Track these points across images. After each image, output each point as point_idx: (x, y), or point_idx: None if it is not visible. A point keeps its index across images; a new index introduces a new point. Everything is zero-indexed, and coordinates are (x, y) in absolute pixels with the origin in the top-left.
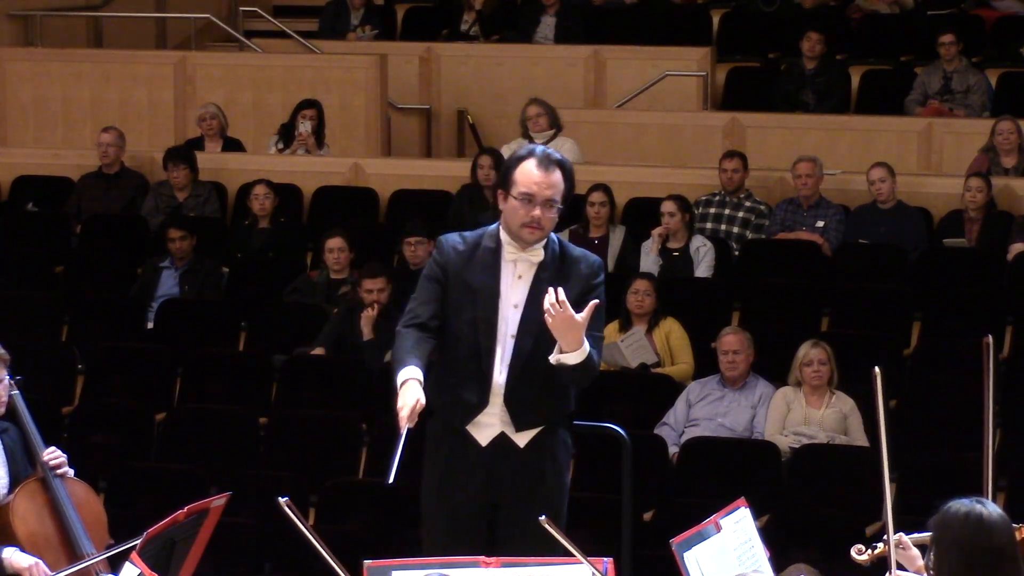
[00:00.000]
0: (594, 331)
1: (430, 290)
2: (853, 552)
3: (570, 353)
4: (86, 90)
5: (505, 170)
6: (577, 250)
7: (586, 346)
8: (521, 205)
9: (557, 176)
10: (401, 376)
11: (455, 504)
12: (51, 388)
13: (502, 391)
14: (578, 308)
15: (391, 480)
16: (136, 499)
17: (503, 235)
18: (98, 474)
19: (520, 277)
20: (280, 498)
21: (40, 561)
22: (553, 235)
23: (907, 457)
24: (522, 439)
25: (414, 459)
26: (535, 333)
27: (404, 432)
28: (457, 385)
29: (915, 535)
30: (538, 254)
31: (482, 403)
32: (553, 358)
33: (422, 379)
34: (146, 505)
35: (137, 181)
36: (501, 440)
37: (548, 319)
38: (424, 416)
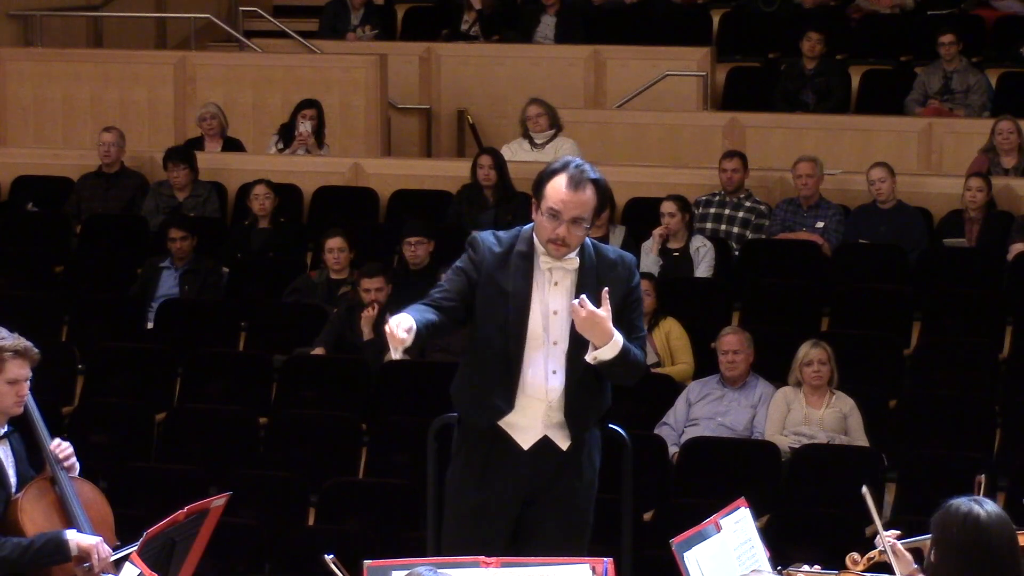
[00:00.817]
0: (634, 331)
1: (457, 282)
2: (848, 562)
3: (603, 348)
4: (86, 90)
5: (538, 180)
6: (612, 252)
7: (618, 337)
8: (548, 220)
9: (587, 194)
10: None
11: (487, 504)
12: (51, 388)
13: (554, 397)
14: (621, 312)
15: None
16: (136, 499)
17: (537, 243)
18: (98, 474)
19: (557, 284)
20: (326, 555)
21: (102, 539)
22: (586, 238)
23: (907, 457)
24: (565, 443)
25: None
26: (576, 337)
27: (396, 351)
28: (483, 386)
29: (909, 540)
30: (574, 262)
31: (508, 407)
32: (589, 356)
33: (416, 320)
34: (146, 505)
35: (137, 181)
36: (544, 443)
37: (576, 322)
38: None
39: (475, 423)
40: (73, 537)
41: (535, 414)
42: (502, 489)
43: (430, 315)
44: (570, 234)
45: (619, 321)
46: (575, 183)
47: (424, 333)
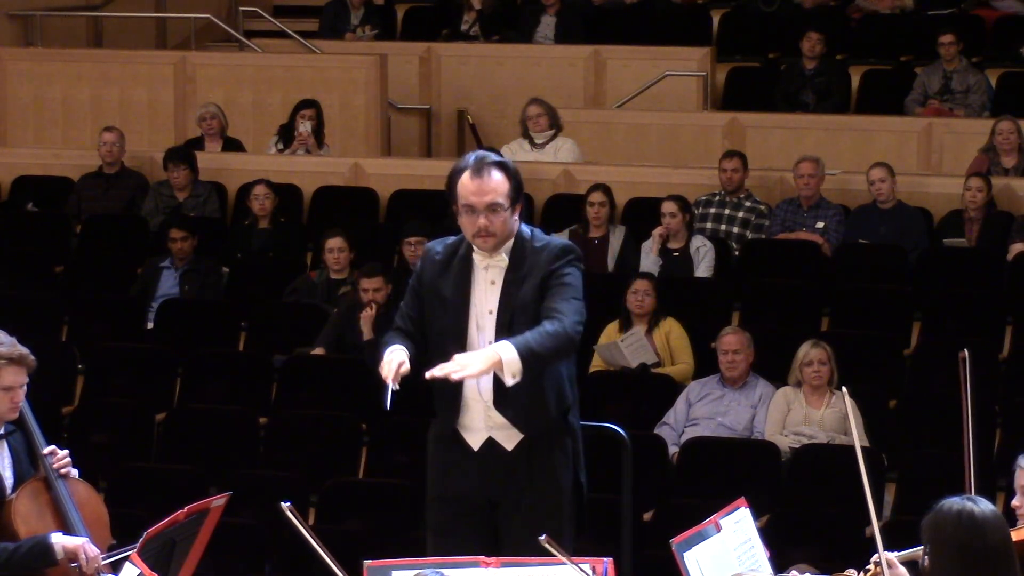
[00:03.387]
0: (553, 301)
1: (409, 303)
2: None
3: (505, 375)
4: (86, 90)
5: (448, 184)
6: (542, 240)
7: (505, 353)
8: (466, 216)
9: (494, 179)
10: (386, 351)
11: (454, 503)
12: (51, 388)
13: (489, 397)
14: (540, 294)
15: (388, 407)
16: (136, 499)
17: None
18: (98, 474)
19: (493, 283)
20: (283, 503)
21: (88, 540)
22: (525, 228)
23: (907, 457)
24: (510, 443)
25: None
26: (506, 336)
27: (389, 386)
28: (439, 393)
29: (903, 552)
30: (503, 259)
31: (457, 409)
32: (507, 383)
33: (407, 352)
34: (146, 505)
35: (137, 181)
36: (490, 443)
37: (460, 374)
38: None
39: (443, 426)
40: (58, 540)
41: (477, 416)
42: (459, 487)
43: (410, 343)
44: (491, 222)
45: (540, 303)
46: (478, 171)
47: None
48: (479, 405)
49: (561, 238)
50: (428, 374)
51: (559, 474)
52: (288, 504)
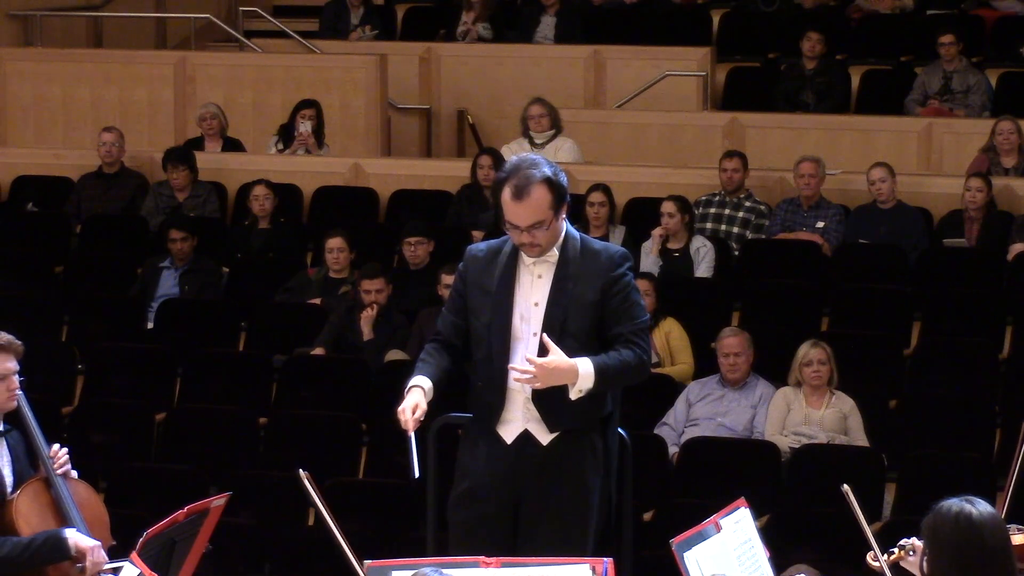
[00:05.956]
0: (625, 321)
1: (451, 305)
2: (868, 559)
3: (572, 389)
4: (86, 90)
5: (492, 194)
6: (598, 243)
7: (584, 367)
8: (511, 230)
9: (534, 200)
10: (409, 384)
11: (481, 502)
12: (51, 388)
13: (530, 389)
14: (602, 301)
15: (417, 475)
16: (136, 499)
17: None
18: (98, 474)
19: (540, 277)
20: (300, 471)
21: (100, 544)
22: (573, 231)
23: (907, 457)
24: (545, 438)
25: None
26: (557, 330)
27: (412, 435)
28: (482, 387)
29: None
30: (553, 254)
31: (500, 403)
32: (572, 395)
33: (428, 387)
34: (146, 505)
35: (137, 181)
36: (525, 437)
37: (534, 384)
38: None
39: (481, 423)
40: (72, 536)
41: (517, 407)
42: (488, 481)
43: (443, 358)
44: (535, 237)
45: (604, 313)
46: (519, 193)
47: (443, 387)
48: (519, 396)
49: (617, 244)
50: (513, 377)
51: (587, 477)
52: (305, 473)
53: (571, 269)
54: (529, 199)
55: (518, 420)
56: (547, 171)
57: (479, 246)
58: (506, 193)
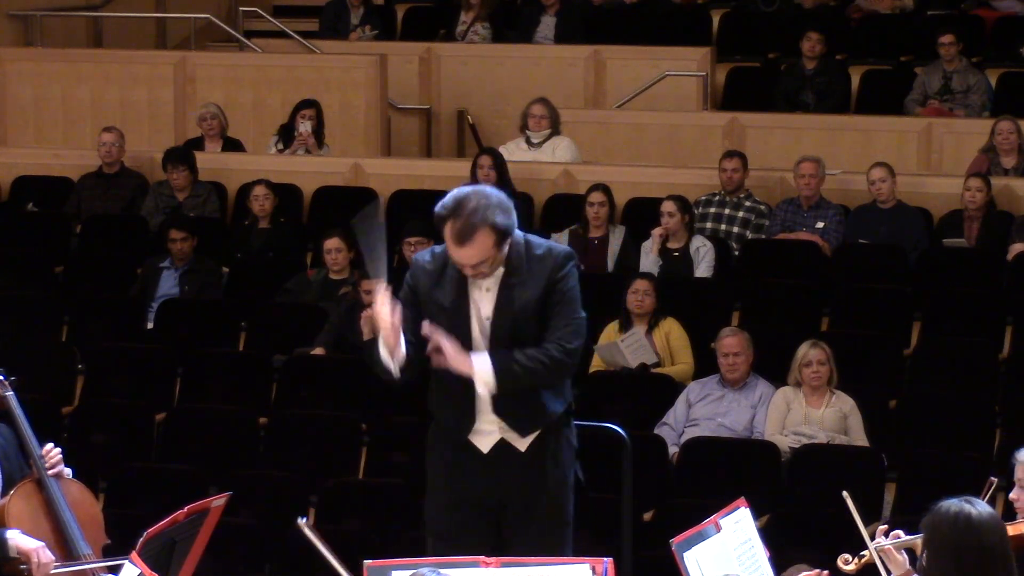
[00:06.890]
0: (560, 322)
1: (407, 315)
2: (839, 563)
3: (477, 383)
4: (86, 90)
5: (435, 225)
6: (542, 246)
7: (480, 367)
8: (454, 261)
9: (477, 244)
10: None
11: (459, 506)
12: (51, 388)
13: (491, 401)
14: (546, 303)
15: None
16: (136, 499)
17: None
18: (98, 474)
19: (488, 290)
20: (300, 519)
21: (44, 545)
22: (519, 234)
23: (907, 457)
24: (523, 443)
25: (415, 460)
26: (507, 341)
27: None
28: (449, 402)
29: (906, 539)
30: (499, 268)
31: (471, 418)
32: (479, 390)
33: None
34: (146, 505)
35: (137, 181)
36: (502, 445)
37: (449, 361)
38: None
39: (449, 435)
40: (13, 537)
41: (487, 418)
42: (468, 489)
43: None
44: (478, 270)
45: (545, 315)
46: (461, 239)
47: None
48: (487, 407)
49: (561, 244)
50: (428, 338)
51: (566, 472)
52: (304, 520)
53: (517, 278)
54: (472, 244)
55: (493, 430)
56: (492, 218)
57: (424, 255)
58: (448, 233)
